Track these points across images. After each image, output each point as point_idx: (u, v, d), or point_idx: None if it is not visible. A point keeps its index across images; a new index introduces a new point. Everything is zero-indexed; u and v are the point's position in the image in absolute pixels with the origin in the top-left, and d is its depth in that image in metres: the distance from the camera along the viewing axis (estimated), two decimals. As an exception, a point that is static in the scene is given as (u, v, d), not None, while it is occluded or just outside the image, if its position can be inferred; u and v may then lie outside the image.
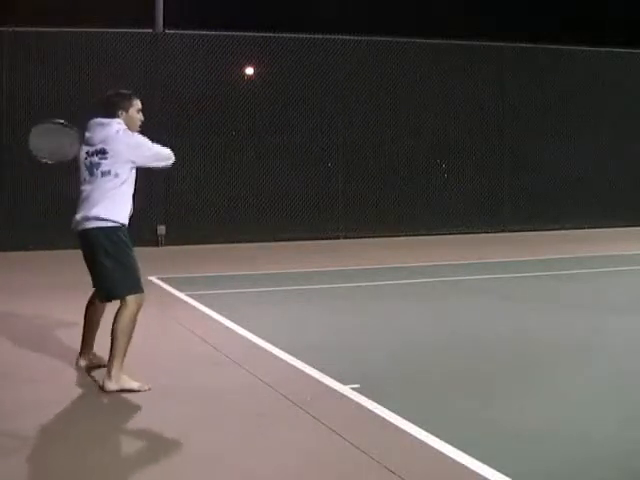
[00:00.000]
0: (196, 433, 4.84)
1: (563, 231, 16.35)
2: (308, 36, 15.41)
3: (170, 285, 9.90)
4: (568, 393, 5.60)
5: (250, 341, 7.07)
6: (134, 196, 5.82)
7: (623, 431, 4.79)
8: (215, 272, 11.42)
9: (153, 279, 10.29)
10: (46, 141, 5.71)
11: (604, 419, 5.02)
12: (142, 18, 15.27)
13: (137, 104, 5.89)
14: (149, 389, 5.61)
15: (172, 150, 6.02)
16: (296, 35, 15.32)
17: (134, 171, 5.75)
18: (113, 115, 5.76)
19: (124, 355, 5.62)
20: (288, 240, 14.89)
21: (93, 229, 5.65)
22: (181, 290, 9.55)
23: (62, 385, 5.88)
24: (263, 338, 7.07)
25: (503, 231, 16.51)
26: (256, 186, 15.27)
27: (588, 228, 16.56)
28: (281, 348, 6.70)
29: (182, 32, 14.77)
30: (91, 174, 5.68)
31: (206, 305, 8.61)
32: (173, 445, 4.68)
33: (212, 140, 14.88)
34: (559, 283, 10.41)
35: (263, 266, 11.83)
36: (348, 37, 15.73)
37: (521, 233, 16.23)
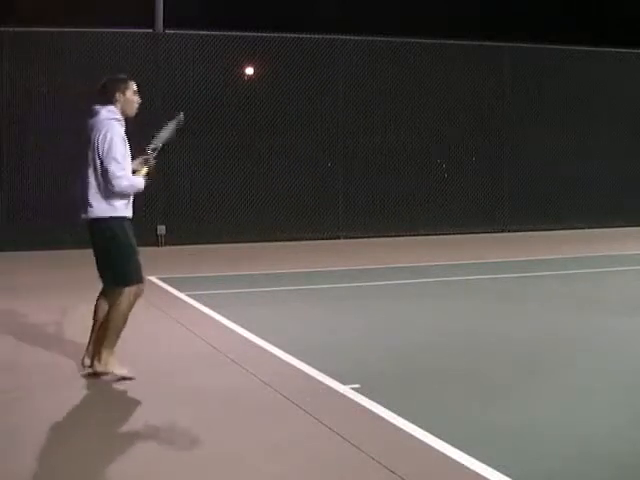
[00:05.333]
0: (196, 433, 4.84)
1: (563, 231, 16.35)
2: (308, 36, 15.41)
3: (170, 285, 9.90)
4: (568, 393, 5.60)
5: (250, 341, 7.08)
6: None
7: (623, 431, 4.79)
8: (215, 272, 11.42)
9: (153, 279, 10.30)
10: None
11: (605, 419, 5.02)
12: (142, 18, 15.27)
13: (133, 85, 6.02)
14: (132, 379, 5.80)
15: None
16: (296, 35, 15.31)
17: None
18: (110, 101, 5.90)
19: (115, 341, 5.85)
20: (288, 240, 14.89)
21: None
22: (181, 290, 9.55)
23: (59, 383, 5.90)
24: (263, 338, 7.07)
25: (503, 231, 16.51)
26: (256, 186, 15.26)
27: (588, 228, 16.56)
28: (281, 348, 6.70)
29: (182, 32, 14.76)
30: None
31: (206, 305, 8.61)
32: (172, 445, 4.68)
33: (212, 140, 14.87)
34: (559, 283, 10.40)
35: (263, 266, 11.82)
36: (348, 37, 15.73)
37: (521, 233, 16.23)
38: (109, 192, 5.74)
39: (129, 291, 5.83)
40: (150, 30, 14.70)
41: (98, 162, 5.75)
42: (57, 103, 13.87)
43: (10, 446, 4.61)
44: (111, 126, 5.80)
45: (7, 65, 13.83)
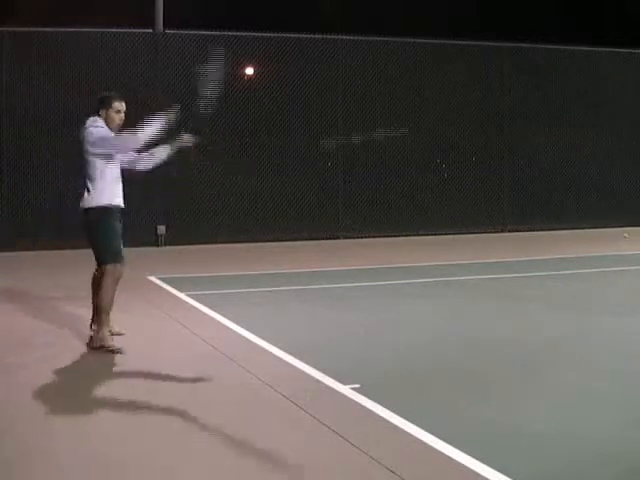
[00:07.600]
0: (195, 433, 4.84)
1: (563, 231, 16.35)
2: (308, 36, 15.41)
3: (170, 285, 9.90)
4: (568, 393, 5.60)
5: (250, 341, 7.08)
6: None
7: (624, 431, 4.79)
8: (215, 272, 11.42)
9: (153, 279, 10.31)
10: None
11: (605, 419, 5.01)
12: (142, 18, 15.26)
13: (116, 106, 6.74)
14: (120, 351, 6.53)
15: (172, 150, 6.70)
16: (296, 35, 15.32)
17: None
18: (98, 113, 6.78)
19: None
20: (288, 240, 14.89)
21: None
22: (181, 290, 9.55)
23: (59, 381, 5.90)
24: (263, 338, 7.07)
25: (503, 231, 16.52)
26: (256, 186, 15.26)
27: (588, 228, 16.56)
28: (281, 348, 6.70)
29: (182, 32, 14.76)
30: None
31: (206, 305, 8.61)
32: (171, 445, 4.68)
33: (211, 140, 14.86)
34: (559, 283, 10.41)
35: (263, 266, 11.83)
36: (348, 37, 15.73)
37: (521, 233, 16.24)
38: (94, 184, 6.61)
39: (109, 269, 6.65)
40: (150, 30, 14.70)
41: (87, 156, 6.64)
42: (57, 103, 13.86)
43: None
44: (95, 127, 6.63)
45: (7, 65, 13.82)
